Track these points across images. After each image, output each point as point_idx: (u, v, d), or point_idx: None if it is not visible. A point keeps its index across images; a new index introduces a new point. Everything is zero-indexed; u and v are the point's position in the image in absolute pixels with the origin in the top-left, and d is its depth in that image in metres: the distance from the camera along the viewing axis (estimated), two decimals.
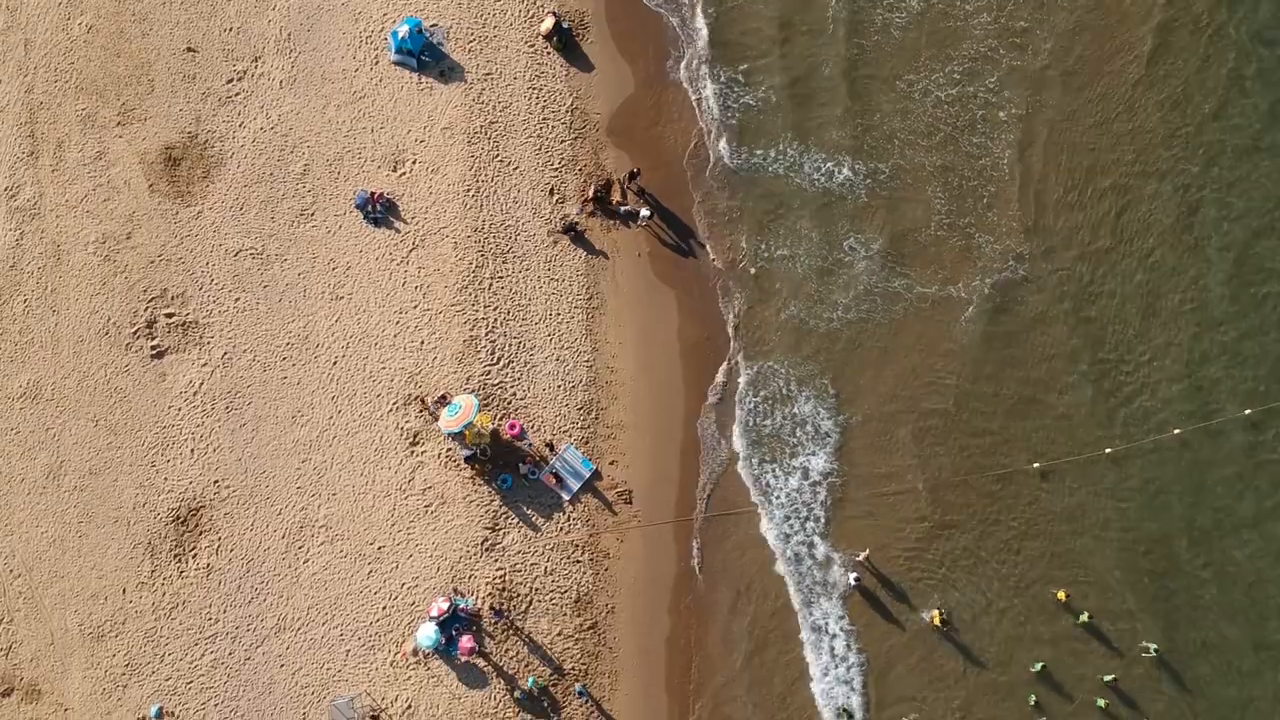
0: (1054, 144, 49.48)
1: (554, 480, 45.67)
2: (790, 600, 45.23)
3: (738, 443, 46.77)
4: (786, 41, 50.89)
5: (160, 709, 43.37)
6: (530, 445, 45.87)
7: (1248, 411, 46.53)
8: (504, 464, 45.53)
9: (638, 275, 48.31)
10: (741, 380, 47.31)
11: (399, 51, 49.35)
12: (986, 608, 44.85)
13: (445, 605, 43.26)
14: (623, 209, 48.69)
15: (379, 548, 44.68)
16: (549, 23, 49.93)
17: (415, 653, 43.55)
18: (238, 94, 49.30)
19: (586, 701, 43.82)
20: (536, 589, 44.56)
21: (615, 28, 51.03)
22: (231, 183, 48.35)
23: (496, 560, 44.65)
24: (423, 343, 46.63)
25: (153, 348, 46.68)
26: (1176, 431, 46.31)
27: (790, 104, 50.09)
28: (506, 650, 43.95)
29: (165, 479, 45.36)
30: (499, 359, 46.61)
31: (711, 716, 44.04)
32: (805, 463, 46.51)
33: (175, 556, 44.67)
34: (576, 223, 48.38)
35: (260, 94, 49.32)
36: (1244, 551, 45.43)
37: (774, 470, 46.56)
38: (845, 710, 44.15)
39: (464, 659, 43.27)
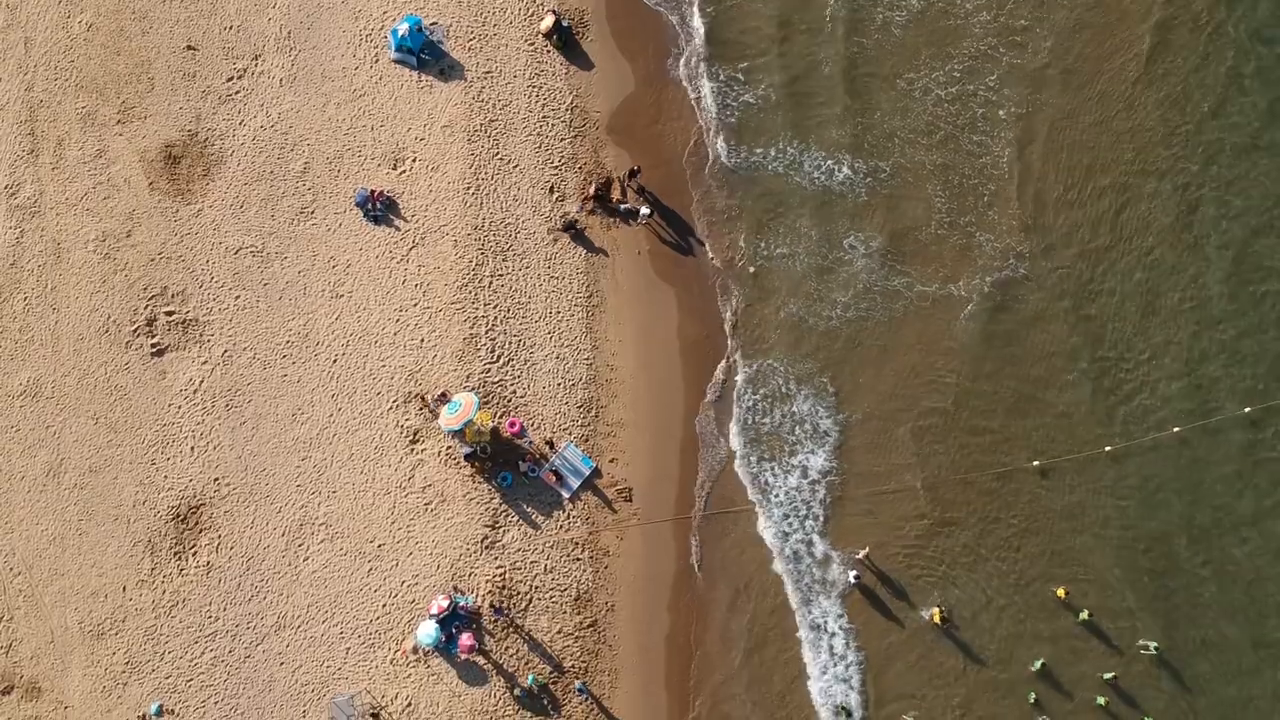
0: (1054, 142, 49.51)
1: (554, 478, 45.70)
2: (791, 598, 45.28)
3: (737, 441, 46.81)
4: (786, 40, 50.89)
5: (160, 706, 43.40)
6: (530, 443, 45.90)
7: (1247, 409, 46.57)
8: (504, 462, 45.55)
9: (638, 273, 48.34)
10: (741, 378, 47.34)
11: (399, 49, 49.38)
12: (986, 605, 44.89)
13: (445, 603, 43.30)
14: (623, 207, 48.71)
15: (379, 545, 44.71)
16: (549, 21, 49.95)
17: (415, 650, 43.57)
18: (238, 92, 49.33)
19: (586, 699, 43.86)
20: (536, 587, 44.59)
21: (615, 26, 51.05)
22: (232, 181, 48.38)
23: (496, 558, 44.68)
24: (423, 340, 46.66)
25: (153, 345, 46.71)
26: (1176, 429, 46.35)
27: (790, 102, 50.12)
28: (506, 648, 43.98)
29: (165, 477, 45.39)
30: (499, 357, 46.64)
31: (711, 714, 44.07)
32: (804, 461, 46.54)
33: (175, 554, 44.70)
34: (576, 220, 48.40)
35: (260, 92, 49.36)
36: (1244, 549, 45.46)
37: (773, 468, 46.59)
38: (844, 708, 44.18)
39: (464, 657, 43.29)
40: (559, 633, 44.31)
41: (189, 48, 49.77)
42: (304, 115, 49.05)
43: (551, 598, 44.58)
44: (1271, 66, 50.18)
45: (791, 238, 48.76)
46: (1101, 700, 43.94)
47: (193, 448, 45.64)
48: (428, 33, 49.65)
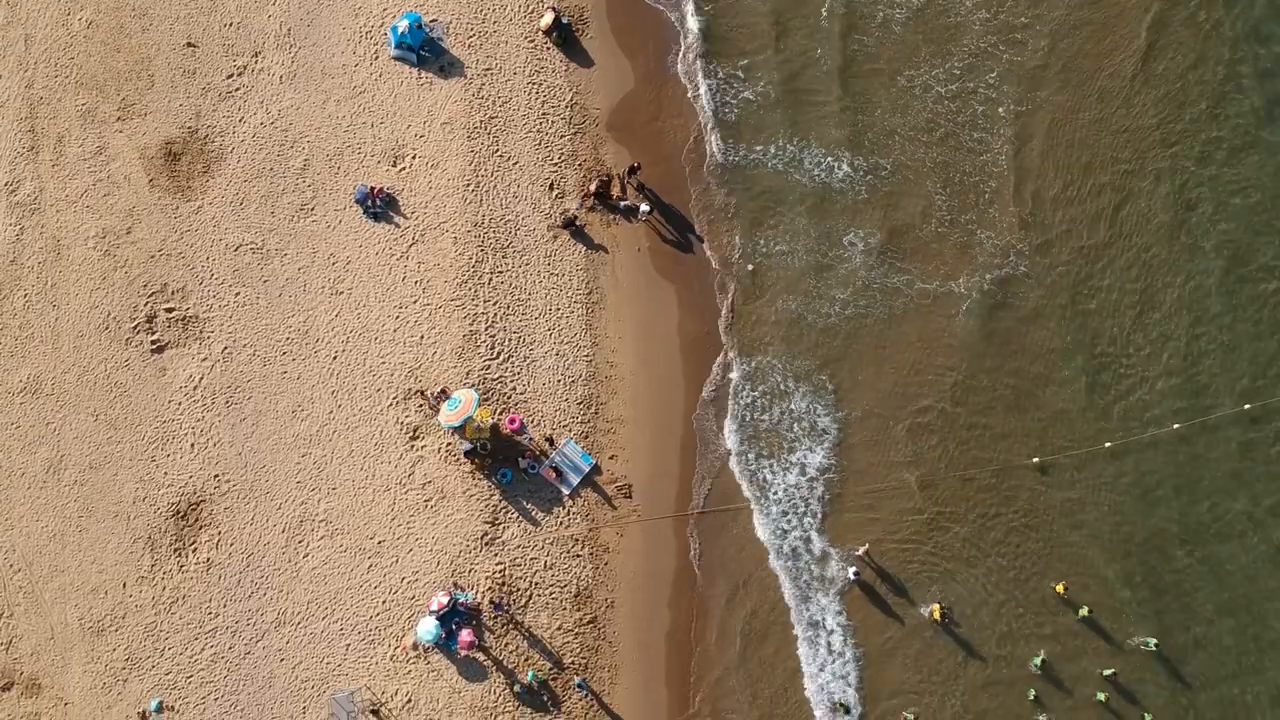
0: (1053, 139, 49.56)
1: (554, 475, 45.72)
2: (788, 595, 45.30)
3: (735, 438, 46.82)
4: (785, 37, 50.92)
5: (160, 703, 43.41)
6: (530, 440, 45.92)
7: (1247, 406, 46.64)
8: (504, 458, 45.58)
9: (637, 270, 48.36)
10: (739, 375, 47.34)
11: (399, 47, 49.40)
12: (985, 600, 44.93)
13: (445, 599, 43.31)
14: (623, 204, 48.73)
15: (379, 542, 44.72)
16: (549, 18, 49.97)
17: (415, 647, 43.59)
18: (238, 89, 49.34)
19: (586, 695, 43.88)
20: (536, 583, 44.62)
21: (615, 23, 51.08)
22: (231, 178, 48.39)
23: (496, 555, 44.70)
24: (423, 337, 46.68)
25: (153, 342, 46.72)
26: (1176, 426, 46.41)
27: (790, 99, 50.15)
28: (506, 644, 44.00)
29: (165, 473, 45.41)
30: (499, 354, 46.66)
31: (710, 711, 44.10)
32: (803, 458, 46.56)
33: (175, 551, 44.70)
34: (576, 217, 48.42)
35: (260, 89, 49.37)
36: (1243, 547, 45.49)
37: (771, 465, 46.61)
38: (842, 705, 44.21)
39: (464, 653, 43.32)
40: (559, 629, 44.33)
41: (189, 45, 49.79)
42: (304, 112, 49.07)
43: (551, 594, 44.60)
44: (1269, 65, 50.27)
45: (791, 235, 48.80)
46: (1101, 696, 43.99)
47: (193, 444, 45.65)
48: (427, 29, 49.67)
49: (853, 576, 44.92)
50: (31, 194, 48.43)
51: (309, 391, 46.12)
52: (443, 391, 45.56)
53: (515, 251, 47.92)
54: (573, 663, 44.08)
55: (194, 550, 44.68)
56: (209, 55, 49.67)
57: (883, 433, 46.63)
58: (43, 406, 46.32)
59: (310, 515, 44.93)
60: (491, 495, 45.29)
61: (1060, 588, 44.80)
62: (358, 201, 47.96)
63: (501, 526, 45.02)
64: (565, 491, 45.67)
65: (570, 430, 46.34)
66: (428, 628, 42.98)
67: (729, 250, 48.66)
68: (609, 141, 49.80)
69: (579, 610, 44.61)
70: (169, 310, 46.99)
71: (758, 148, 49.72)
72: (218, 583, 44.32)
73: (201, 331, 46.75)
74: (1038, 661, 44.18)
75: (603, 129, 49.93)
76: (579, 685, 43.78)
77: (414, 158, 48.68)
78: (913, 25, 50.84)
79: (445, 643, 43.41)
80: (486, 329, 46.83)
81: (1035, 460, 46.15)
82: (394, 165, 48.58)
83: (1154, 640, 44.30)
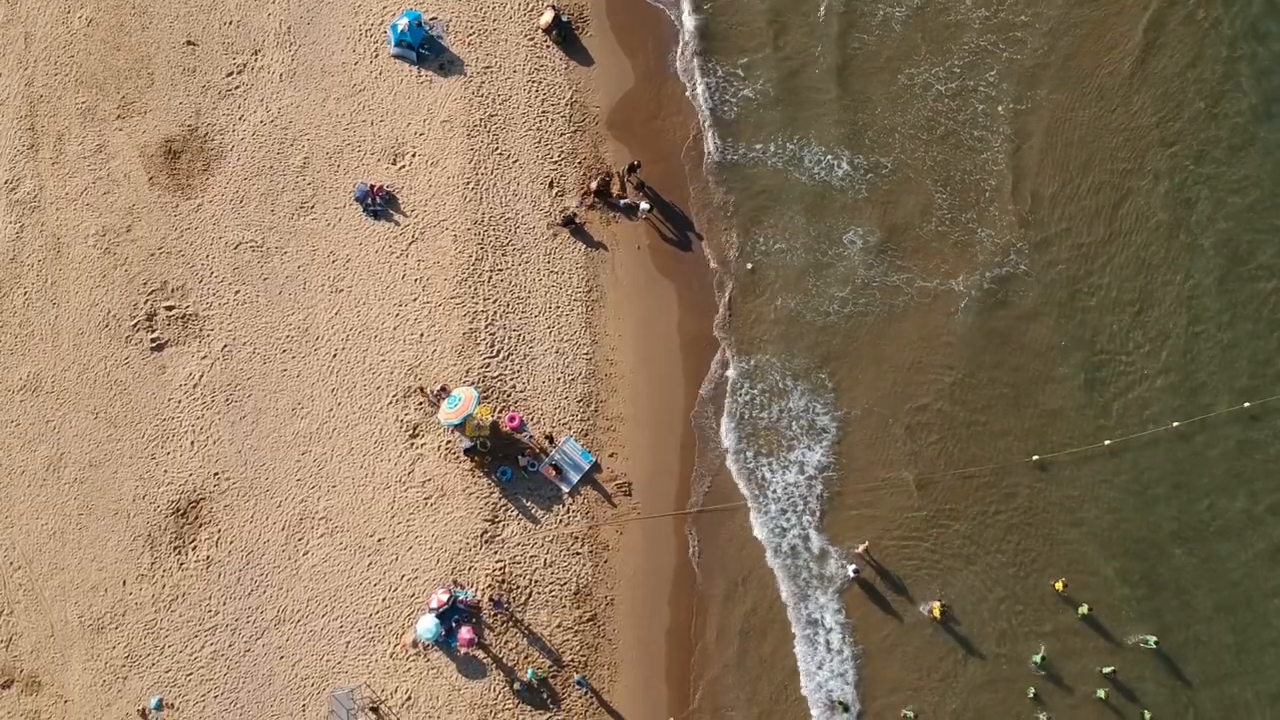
0: (1052, 137, 49.57)
1: (553, 472, 45.74)
2: (785, 593, 45.33)
3: (733, 436, 46.83)
4: (784, 35, 50.95)
5: (160, 701, 43.42)
6: (530, 437, 45.94)
7: (1246, 404, 46.68)
8: (503, 456, 45.60)
9: (637, 268, 48.39)
10: (738, 374, 47.37)
11: (398, 45, 49.43)
12: (985, 598, 44.94)
13: (445, 597, 43.33)
14: (622, 202, 48.76)
15: (379, 540, 44.74)
16: (548, 16, 50.01)
17: (415, 644, 43.61)
18: (237, 87, 49.36)
19: (586, 693, 43.90)
20: (536, 581, 44.64)
21: (614, 21, 51.11)
22: (231, 176, 48.41)
23: (496, 552, 44.72)
24: (422, 335, 46.70)
25: (153, 340, 46.73)
26: (1175, 424, 46.44)
27: (789, 98, 50.17)
28: (506, 642, 44.02)
29: (165, 471, 45.42)
30: (499, 351, 46.69)
31: (710, 708, 44.12)
32: (802, 456, 46.57)
33: (175, 549, 44.72)
34: (576, 215, 48.45)
35: (260, 87, 49.40)
36: (1242, 545, 45.50)
37: (770, 464, 46.61)
38: (841, 702, 44.23)
39: (463, 651, 43.34)
40: (558, 627, 44.35)
41: (189, 43, 49.81)
42: (304, 110, 49.09)
43: (551, 592, 44.63)
44: (1267, 63, 50.30)
45: (790, 233, 48.82)
46: (1101, 694, 44.02)
47: (192, 442, 45.67)
48: (427, 28, 49.71)
49: (851, 574, 44.95)
50: (31, 192, 48.46)
51: (309, 389, 46.15)
52: (443, 389, 45.59)
53: (515, 249, 47.95)
54: (572, 660, 44.11)
55: (194, 548, 44.70)
56: (209, 53, 49.70)
57: (882, 431, 46.66)
58: (43, 404, 46.34)
59: (310, 513, 44.95)
60: (491, 493, 45.32)
61: (1060, 585, 44.83)
62: (358, 199, 47.99)
63: (501, 524, 45.04)
64: (565, 489, 45.69)
65: (570, 428, 46.37)
66: (427, 625, 43.01)
67: (727, 248, 48.68)
68: (609, 139, 49.83)
69: (579, 608, 44.63)
70: (169, 308, 47.01)
71: (757, 146, 49.74)
72: (218, 580, 44.35)
73: (201, 329, 46.77)
74: (1037, 659, 44.21)
75: (602, 127, 49.96)
76: (579, 682, 43.81)
77: (414, 156, 48.71)
78: (912, 23, 50.88)
79: (445, 640, 43.44)
80: (486, 327, 46.86)
81: (1034, 458, 46.17)
82: (394, 163, 48.60)
83: (1153, 638, 44.32)
